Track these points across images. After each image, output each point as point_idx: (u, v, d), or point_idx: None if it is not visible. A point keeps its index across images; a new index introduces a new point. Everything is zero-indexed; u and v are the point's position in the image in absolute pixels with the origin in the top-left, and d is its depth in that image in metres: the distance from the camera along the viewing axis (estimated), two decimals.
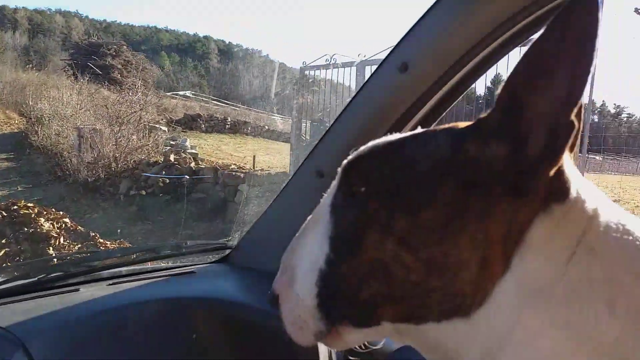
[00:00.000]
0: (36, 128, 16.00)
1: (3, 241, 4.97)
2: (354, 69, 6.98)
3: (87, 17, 57.56)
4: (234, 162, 14.60)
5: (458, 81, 1.16)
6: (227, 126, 23.70)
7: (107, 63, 29.41)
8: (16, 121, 20.85)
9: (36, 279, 1.28)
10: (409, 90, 1.16)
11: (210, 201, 8.26)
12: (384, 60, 1.16)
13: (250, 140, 23.51)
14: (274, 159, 14.87)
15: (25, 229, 5.11)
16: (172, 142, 14.36)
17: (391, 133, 0.69)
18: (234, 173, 8.77)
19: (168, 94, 31.13)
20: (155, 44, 53.57)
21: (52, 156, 13.92)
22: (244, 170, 9.09)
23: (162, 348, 1.22)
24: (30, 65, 28.69)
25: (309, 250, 0.69)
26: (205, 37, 60.40)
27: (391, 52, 1.14)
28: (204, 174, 9.26)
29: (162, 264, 1.61)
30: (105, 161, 10.16)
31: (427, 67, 1.12)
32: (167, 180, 9.11)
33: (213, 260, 1.61)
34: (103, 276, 1.40)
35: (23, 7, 54.73)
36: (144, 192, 8.88)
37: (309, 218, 0.73)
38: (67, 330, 1.10)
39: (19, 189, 11.66)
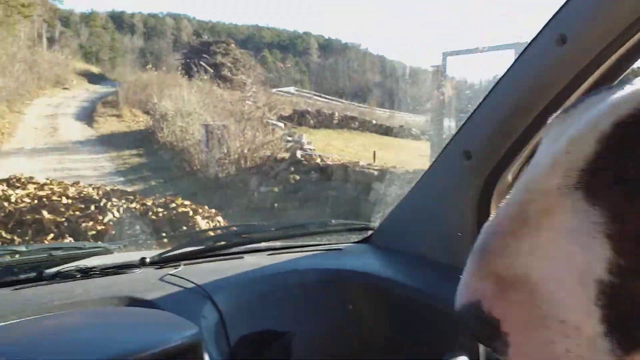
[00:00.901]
0: (162, 125, 17.05)
1: (165, 240, 5.13)
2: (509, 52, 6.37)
3: (194, 18, 60.95)
4: (347, 159, 14.52)
5: (622, 56, 1.05)
6: (334, 121, 23.76)
7: (217, 61, 30.83)
8: (141, 119, 22.47)
9: (209, 245, 1.50)
10: (567, 65, 1.09)
11: (342, 199, 8.12)
12: (540, 32, 1.10)
13: (359, 135, 23.40)
14: (392, 154, 14.53)
15: (184, 227, 5.27)
16: (288, 139, 14.55)
17: (548, 112, 0.60)
18: (366, 170, 8.54)
19: (273, 90, 32.02)
20: (258, 41, 55.44)
21: (178, 152, 14.69)
22: (376, 168, 8.83)
23: (319, 314, 1.34)
24: (150, 66, 30.81)
25: (561, 255, 0.50)
26: (305, 33, 61.47)
27: (548, 23, 1.09)
28: (332, 171, 9.14)
29: (309, 241, 1.72)
30: (234, 157, 10.43)
31: (588, 40, 1.05)
32: (298, 177, 9.11)
33: (355, 240, 1.69)
34: (261, 247, 1.58)
35: (139, 12, 59.28)
36: (275, 189, 8.96)
37: (509, 207, 0.54)
38: (243, 288, 1.27)
39: (153, 183, 12.37)
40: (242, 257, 1.48)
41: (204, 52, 31.43)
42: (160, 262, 1.40)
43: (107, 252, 1.46)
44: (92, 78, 36.89)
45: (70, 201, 5.69)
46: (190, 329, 0.96)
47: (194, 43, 34.00)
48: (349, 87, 50.74)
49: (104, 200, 5.71)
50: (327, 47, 58.50)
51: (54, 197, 5.73)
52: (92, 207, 5.50)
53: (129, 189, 11.89)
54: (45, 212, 5.17)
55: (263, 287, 1.30)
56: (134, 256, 1.45)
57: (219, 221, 5.76)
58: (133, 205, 5.87)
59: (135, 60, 45.87)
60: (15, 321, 1.02)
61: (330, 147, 17.67)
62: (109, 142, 18.20)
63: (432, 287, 1.26)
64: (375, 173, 8.41)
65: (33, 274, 1.23)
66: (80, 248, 1.41)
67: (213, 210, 6.32)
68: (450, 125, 7.36)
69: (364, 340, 1.33)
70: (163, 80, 26.24)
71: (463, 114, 7.16)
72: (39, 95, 26.39)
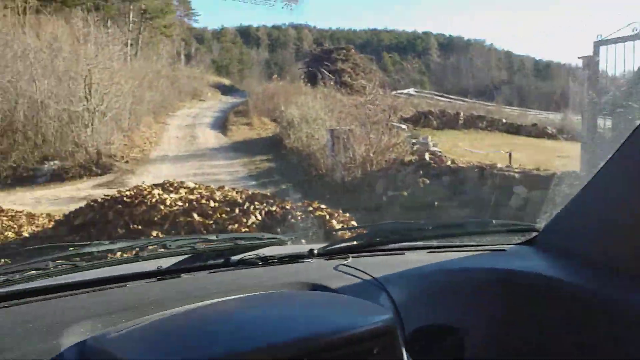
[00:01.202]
0: (288, 132, 17.74)
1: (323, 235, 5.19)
2: None
3: (315, 27, 62.82)
4: (477, 160, 13.80)
5: None
6: (460, 121, 22.87)
7: (338, 68, 31.44)
8: (269, 126, 23.66)
9: (372, 240, 1.57)
10: None
11: (479, 204, 7.65)
12: None
13: (487, 135, 22.27)
14: (525, 155, 13.52)
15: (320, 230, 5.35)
16: (413, 141, 14.25)
17: None
18: (505, 173, 7.98)
19: (392, 93, 31.80)
20: (377, 45, 55.50)
21: (305, 157, 15.14)
22: (516, 170, 8.21)
23: (487, 313, 1.33)
24: (275, 76, 32.34)
25: None
26: (425, 33, 60.24)
27: None
28: (465, 174, 8.69)
29: (467, 241, 1.69)
30: (360, 161, 10.42)
31: None
32: (427, 181, 8.81)
33: (518, 242, 1.64)
34: (418, 245, 1.60)
35: (263, 25, 62.62)
36: (405, 193, 8.75)
37: None
38: (413, 282, 1.30)
39: (283, 187, 12.84)
40: (404, 254, 1.52)
41: (325, 59, 32.20)
42: (327, 254, 1.47)
43: (282, 242, 1.55)
44: (224, 89, 39.69)
45: (217, 204, 6.07)
46: (385, 313, 1.00)
47: (315, 51, 35.00)
48: (473, 85, 48.60)
49: (247, 204, 6.00)
50: (448, 45, 56.71)
51: (203, 201, 6.16)
52: (237, 210, 5.82)
53: (265, 193, 12.53)
54: (195, 215, 5.58)
55: (431, 283, 1.34)
56: (302, 248, 1.53)
57: (353, 225, 5.76)
58: (273, 208, 6.08)
59: (262, 72, 48.42)
60: (221, 299, 1.09)
61: (456, 148, 16.98)
62: (241, 148, 19.36)
63: (609, 290, 1.22)
64: (517, 176, 7.81)
65: (221, 260, 1.35)
66: (259, 238, 1.49)
67: (347, 215, 6.35)
68: (606, 124, 6.56)
69: (530, 341, 1.32)
70: (288, 89, 27.35)
71: (621, 109, 6.35)
72: (180, 107, 29.04)
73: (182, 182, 7.19)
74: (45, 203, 11.51)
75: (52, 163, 15.13)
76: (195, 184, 7.16)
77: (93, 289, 1.15)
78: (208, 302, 1.07)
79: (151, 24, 30.08)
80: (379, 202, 8.93)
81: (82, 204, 11.43)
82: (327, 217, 5.73)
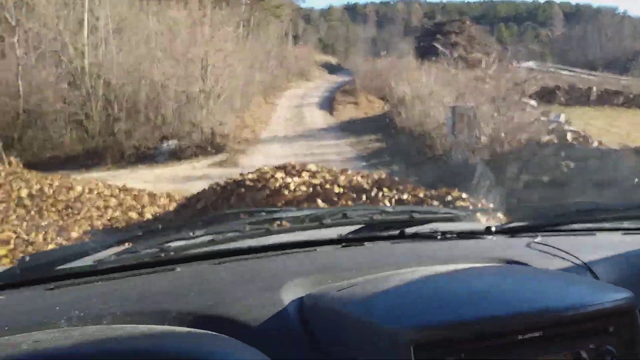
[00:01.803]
0: (399, 110, 16.85)
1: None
2: None
3: (425, 1, 60.18)
4: (618, 141, 11.95)
5: None
6: (591, 97, 20.34)
7: (451, 41, 29.58)
8: (377, 105, 22.89)
9: (558, 220, 1.47)
10: None
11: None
12: None
13: (624, 112, 19.55)
14: None
15: None
16: (542, 119, 12.68)
17: None
18: None
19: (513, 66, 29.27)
20: (493, 17, 51.74)
21: (417, 137, 14.22)
22: None
23: None
24: (383, 52, 31.28)
25: None
26: (547, 2, 54.92)
27: None
28: (619, 157, 7.31)
29: None
30: (487, 141, 9.35)
31: None
32: (572, 165, 7.57)
33: None
34: (606, 227, 1.48)
35: (371, 2, 61.25)
36: (545, 179, 7.61)
37: None
38: (620, 263, 1.19)
39: (395, 168, 12.10)
40: (594, 234, 1.42)
41: (438, 32, 30.46)
42: (507, 232, 1.39)
43: (458, 218, 1.48)
44: (331, 68, 39.47)
45: (341, 190, 5.57)
46: (624, 291, 0.91)
47: (427, 25, 33.26)
48: (602, 57, 43.46)
49: (374, 190, 5.42)
50: (574, 14, 51.22)
51: (327, 186, 5.69)
52: (364, 197, 5.27)
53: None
54: (319, 200, 5.13)
55: (637, 266, 1.19)
56: (477, 225, 1.48)
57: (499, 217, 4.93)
58: (405, 196, 5.43)
59: (368, 49, 47.43)
60: (438, 267, 1.03)
61: (589, 126, 15.01)
62: (348, 128, 18.84)
63: None
64: None
65: (396, 232, 1.31)
66: (434, 212, 1.47)
67: (491, 205, 5.50)
68: None
69: None
70: (397, 65, 26.24)
71: None
72: (288, 88, 29.23)
73: (304, 165, 6.76)
74: (165, 181, 11.89)
75: (170, 143, 15.74)
76: (318, 167, 6.66)
77: (289, 251, 1.18)
78: (422, 268, 1.03)
79: (262, 5, 30.42)
80: (512, 187, 7.88)
81: (198, 182, 11.66)
82: (471, 207, 4.94)
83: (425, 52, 30.20)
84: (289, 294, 0.92)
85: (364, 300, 0.86)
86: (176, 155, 15.31)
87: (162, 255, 1.07)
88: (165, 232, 1.19)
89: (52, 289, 0.96)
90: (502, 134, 9.19)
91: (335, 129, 19.15)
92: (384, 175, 6.33)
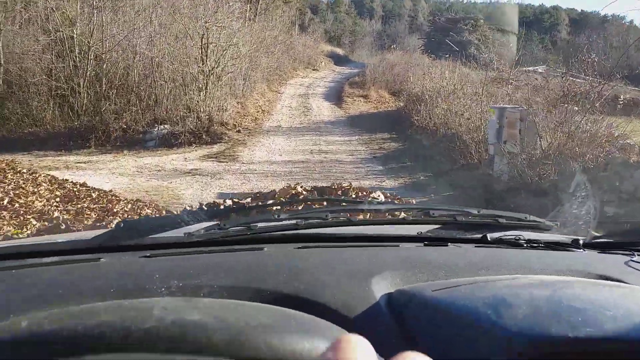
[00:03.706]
0: (418, 106, 14.54)
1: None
2: None
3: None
4: None
5: None
6: (618, 106, 18.17)
7: (464, 39, 27.25)
8: (387, 99, 20.53)
9: None
10: None
11: None
12: None
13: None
14: None
15: None
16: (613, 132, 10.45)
17: None
18: None
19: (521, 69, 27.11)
20: (499, 19, 49.27)
21: (441, 139, 11.93)
22: None
23: None
24: (394, 45, 28.82)
25: None
26: (554, 7, 52.49)
27: None
28: None
29: None
30: (544, 153, 7.11)
31: None
32: None
33: None
34: None
35: None
36: (624, 196, 5.48)
37: None
38: None
39: (420, 177, 9.83)
40: None
41: (451, 29, 28.04)
42: (596, 247, 1.26)
43: (545, 228, 1.33)
44: (337, 59, 36.95)
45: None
46: None
47: (440, 21, 30.76)
48: (609, 65, 41.42)
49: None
50: (581, 21, 48.86)
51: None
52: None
53: (393, 183, 9.60)
54: None
55: None
56: (563, 237, 1.34)
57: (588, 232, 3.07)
58: None
59: (374, 42, 44.99)
60: (551, 278, 0.97)
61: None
62: (358, 123, 16.50)
63: None
64: None
65: (478, 236, 1.23)
66: (521, 219, 1.32)
67: (580, 218, 3.52)
68: None
69: None
70: (409, 59, 23.89)
71: None
72: (293, 76, 26.74)
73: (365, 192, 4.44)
74: (146, 174, 9.55)
75: (162, 127, 13.36)
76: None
77: (372, 244, 1.12)
78: (523, 276, 0.96)
79: None
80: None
81: (186, 179, 9.34)
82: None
83: (435, 47, 27.84)
84: (379, 287, 0.88)
85: (474, 303, 0.78)
86: (168, 142, 12.93)
87: (249, 234, 1.04)
88: (251, 212, 1.16)
89: (147, 256, 0.95)
90: (575, 147, 6.99)
91: (344, 123, 16.80)
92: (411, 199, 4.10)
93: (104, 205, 5.23)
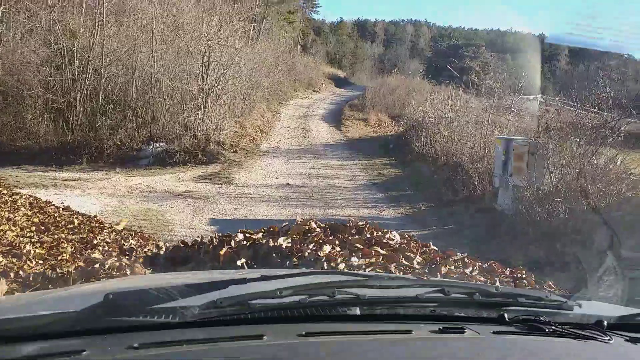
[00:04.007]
0: (419, 133, 14.21)
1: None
2: None
3: (434, 24, 57.94)
4: None
5: None
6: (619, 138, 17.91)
7: (465, 65, 27.15)
8: (387, 123, 20.24)
9: None
10: None
11: None
12: None
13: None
14: None
15: None
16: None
17: None
18: None
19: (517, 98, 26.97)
20: (500, 47, 49.55)
21: (442, 167, 11.57)
22: None
23: None
24: (395, 70, 28.71)
25: None
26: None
27: None
28: None
29: None
30: (555, 189, 6.73)
31: None
32: None
33: None
34: None
35: (382, 20, 58.86)
36: None
37: None
38: None
39: (422, 208, 9.42)
40: None
41: (452, 55, 27.99)
42: (622, 329, 1.16)
43: (568, 308, 1.21)
44: (338, 82, 36.86)
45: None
46: None
47: (442, 46, 30.75)
48: (604, 97, 41.47)
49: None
50: (580, 52, 49.19)
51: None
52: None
53: (393, 212, 9.18)
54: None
55: None
56: (588, 316, 1.22)
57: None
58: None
59: (375, 66, 45.08)
60: None
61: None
62: (357, 147, 16.16)
63: None
64: None
65: (495, 315, 1.15)
66: (542, 299, 1.22)
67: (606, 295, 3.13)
68: None
69: None
70: (410, 84, 23.72)
71: None
72: (293, 97, 26.50)
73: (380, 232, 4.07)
74: (136, 196, 9.11)
75: (157, 145, 12.98)
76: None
77: (383, 333, 1.02)
78: None
79: (276, 9, 27.78)
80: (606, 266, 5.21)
81: (176, 203, 8.90)
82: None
83: (436, 73, 27.75)
84: None
85: None
86: (162, 160, 12.53)
87: (248, 314, 0.98)
88: (250, 285, 1.05)
89: (136, 347, 0.88)
90: (596, 184, 6.61)
91: (343, 147, 16.46)
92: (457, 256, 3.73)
93: (85, 236, 4.78)
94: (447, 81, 22.96)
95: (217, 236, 4.12)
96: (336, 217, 7.51)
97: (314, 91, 30.45)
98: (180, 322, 0.93)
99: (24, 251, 3.54)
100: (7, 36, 14.84)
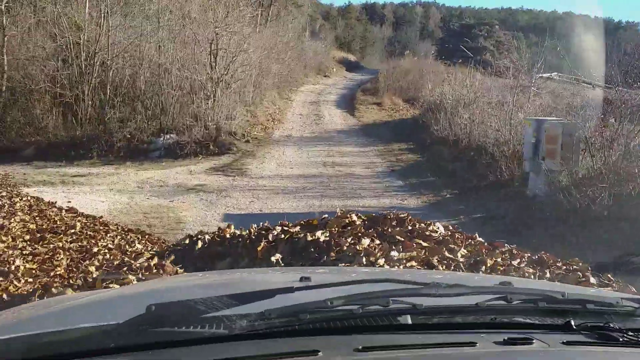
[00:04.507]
0: (437, 115, 13.55)
1: None
2: None
3: (443, 5, 56.49)
4: None
5: None
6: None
7: (479, 45, 26.18)
8: (401, 107, 19.56)
9: None
10: None
11: None
12: None
13: None
14: None
15: None
16: None
17: None
18: None
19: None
20: (512, 25, 48.11)
21: (464, 151, 10.95)
22: None
23: None
24: (407, 52, 27.85)
25: None
26: (566, 14, 51.25)
27: None
28: None
29: None
30: (600, 173, 6.12)
31: None
32: None
33: None
34: None
35: (390, 2, 57.50)
36: None
37: None
38: None
39: (446, 195, 8.85)
40: None
41: (465, 35, 27.00)
42: None
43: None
44: (349, 66, 36.04)
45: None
46: None
47: (454, 26, 29.72)
48: (621, 73, 40.12)
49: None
50: (595, 28, 47.63)
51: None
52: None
53: (416, 201, 8.63)
54: None
55: None
56: None
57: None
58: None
59: (385, 49, 44.10)
60: None
61: None
62: (373, 133, 15.55)
63: None
64: None
65: (561, 322, 1.06)
66: (613, 305, 1.10)
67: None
68: None
69: None
70: (424, 65, 22.91)
71: None
72: (304, 83, 25.86)
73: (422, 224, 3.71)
74: (147, 190, 8.66)
75: (168, 137, 12.52)
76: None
77: (444, 347, 0.94)
78: None
79: None
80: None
81: (189, 197, 8.44)
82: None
83: (449, 54, 26.85)
84: None
85: None
86: (173, 152, 12.08)
87: (297, 326, 0.93)
88: (298, 294, 0.98)
89: None
90: (624, 167, 5.99)
91: (357, 133, 15.86)
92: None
93: (85, 243, 4.32)
94: (461, 61, 22.16)
95: (255, 229, 3.90)
96: (356, 208, 6.99)
97: (324, 76, 29.73)
98: (229, 335, 0.89)
99: (12, 267, 3.08)
100: (12, 31, 14.42)
